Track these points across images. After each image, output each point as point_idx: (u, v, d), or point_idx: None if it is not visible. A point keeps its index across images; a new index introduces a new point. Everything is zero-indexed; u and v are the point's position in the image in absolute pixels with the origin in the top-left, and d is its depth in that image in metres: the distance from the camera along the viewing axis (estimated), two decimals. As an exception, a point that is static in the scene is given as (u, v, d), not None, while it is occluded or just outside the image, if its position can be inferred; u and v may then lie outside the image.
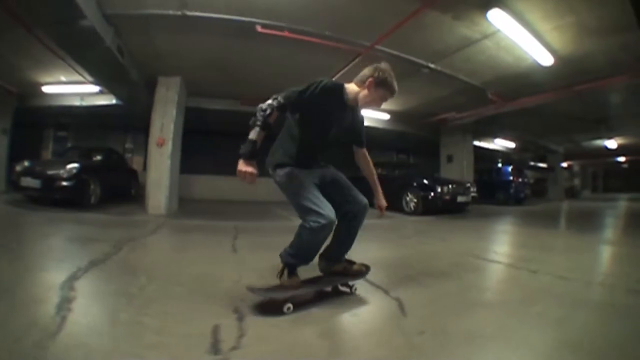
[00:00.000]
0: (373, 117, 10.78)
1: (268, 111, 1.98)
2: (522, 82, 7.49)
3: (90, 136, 12.41)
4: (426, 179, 9.15)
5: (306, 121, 2.24)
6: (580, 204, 15.12)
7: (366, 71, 2.23)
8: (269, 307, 2.06)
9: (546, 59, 6.01)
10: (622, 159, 22.59)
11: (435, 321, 2.05)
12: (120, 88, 7.94)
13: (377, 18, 5.28)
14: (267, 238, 4.87)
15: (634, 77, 6.58)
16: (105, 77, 7.41)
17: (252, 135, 1.97)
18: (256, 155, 1.96)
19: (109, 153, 9.29)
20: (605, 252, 4.51)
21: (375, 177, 2.62)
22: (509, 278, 3.29)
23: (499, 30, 5.30)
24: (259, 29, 5.28)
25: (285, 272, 2.25)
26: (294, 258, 2.23)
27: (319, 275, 2.49)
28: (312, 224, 2.06)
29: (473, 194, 9.85)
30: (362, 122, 2.59)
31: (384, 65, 2.23)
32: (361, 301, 2.39)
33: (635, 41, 5.27)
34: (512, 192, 13.69)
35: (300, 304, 2.16)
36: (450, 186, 8.92)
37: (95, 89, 8.68)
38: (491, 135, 14.09)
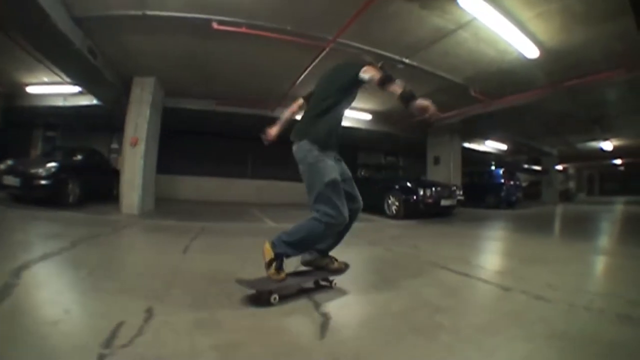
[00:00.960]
0: (354, 117, 10.44)
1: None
2: (507, 79, 7.02)
3: (79, 136, 12.44)
4: (409, 182, 8.74)
5: (345, 105, 2.42)
6: (575, 208, 14.62)
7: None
8: (258, 299, 2.23)
9: (531, 51, 5.54)
10: (618, 161, 22.17)
11: (354, 349, 1.67)
12: (97, 89, 8.01)
13: (336, 9, 4.84)
14: (228, 239, 4.95)
15: (630, 70, 6.02)
16: (80, 78, 7.53)
17: (401, 85, 2.15)
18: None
19: (91, 153, 9.30)
20: (597, 264, 3.96)
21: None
22: (474, 296, 2.75)
23: (474, 19, 4.83)
24: (214, 25, 5.15)
25: (274, 264, 2.23)
26: (291, 248, 2.26)
27: (302, 270, 2.62)
28: (328, 219, 2.17)
29: (459, 198, 9.34)
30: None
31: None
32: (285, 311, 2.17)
33: (631, 29, 4.77)
34: (504, 195, 13.20)
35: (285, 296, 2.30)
36: (433, 189, 8.44)
37: (76, 89, 8.67)
38: (481, 136, 13.64)
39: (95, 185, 8.56)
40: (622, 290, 2.73)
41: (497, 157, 18.63)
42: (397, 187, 8.74)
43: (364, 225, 6.71)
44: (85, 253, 3.52)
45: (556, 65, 6.18)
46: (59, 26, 4.85)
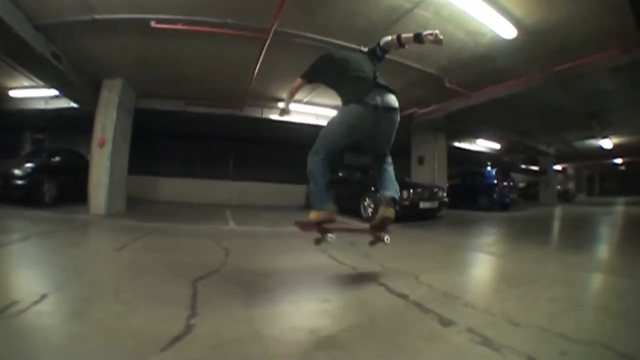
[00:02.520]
0: (329, 115, 9.47)
1: None
2: (486, 66, 6.30)
3: (65, 138, 12.37)
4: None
5: None
6: (573, 210, 13.73)
7: None
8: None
9: (507, 31, 4.81)
10: (619, 160, 21.37)
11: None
12: (70, 92, 8.18)
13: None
14: (171, 239, 4.90)
15: (626, 51, 5.19)
16: (51, 82, 7.73)
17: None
18: None
19: (69, 154, 9.39)
20: (588, 285, 3.09)
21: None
22: (401, 326, 1.96)
23: (433, -6, 4.10)
24: (153, 24, 5.09)
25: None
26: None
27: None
28: None
29: (444, 200, 8.57)
30: None
31: None
32: None
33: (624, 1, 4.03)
34: (496, 197, 12.42)
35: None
36: (411, 190, 7.71)
37: (55, 92, 8.69)
38: (471, 135, 12.89)
39: (73, 186, 8.50)
40: (614, 334, 1.90)
41: (493, 157, 17.89)
42: (372, 188, 8.01)
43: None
44: (30, 246, 3.82)
45: (540, 48, 5.44)
46: (21, 34, 5.17)
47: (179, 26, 5.13)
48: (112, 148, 7.40)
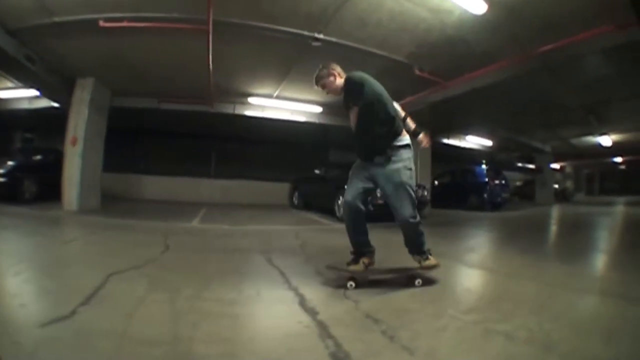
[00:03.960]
0: (302, 110, 9.58)
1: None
2: (461, 51, 5.68)
3: (54, 137, 12.20)
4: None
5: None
6: (571, 210, 13.08)
7: None
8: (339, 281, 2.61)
9: (475, 5, 4.19)
10: (619, 159, 20.69)
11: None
12: (48, 92, 8.29)
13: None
14: (127, 235, 4.96)
15: (621, 28, 4.42)
16: (29, 83, 7.84)
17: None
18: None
19: (51, 153, 9.35)
20: (570, 315, 2.24)
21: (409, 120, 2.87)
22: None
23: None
24: (101, 23, 5.00)
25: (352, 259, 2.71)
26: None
27: (384, 267, 2.88)
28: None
29: (424, 199, 7.99)
30: (348, 92, 2.66)
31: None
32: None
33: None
34: (487, 196, 11.83)
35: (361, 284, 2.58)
36: (386, 189, 7.10)
37: (36, 93, 8.71)
38: (460, 131, 12.25)
39: (53, 183, 8.44)
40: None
41: (487, 155, 17.24)
42: (346, 187, 7.45)
43: (299, 229, 6.26)
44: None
45: (519, 27, 4.80)
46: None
47: (125, 23, 5.02)
48: (83, 146, 7.51)
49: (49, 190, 8.13)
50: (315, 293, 2.51)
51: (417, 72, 6.26)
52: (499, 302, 2.45)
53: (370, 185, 2.66)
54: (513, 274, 3.35)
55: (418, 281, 2.70)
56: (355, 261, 2.69)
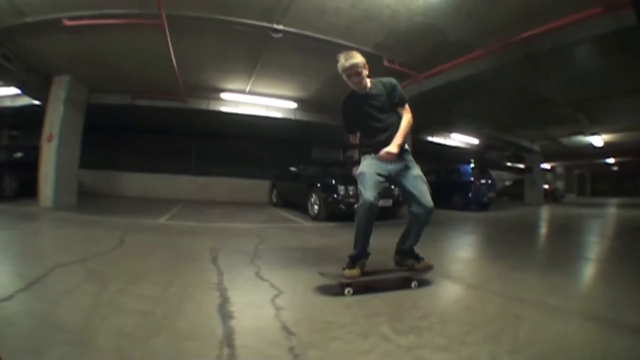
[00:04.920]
0: (277, 106, 9.33)
1: (346, 137, 2.95)
2: (434, 41, 5.39)
3: (39, 134, 12.50)
4: (335, 178, 7.11)
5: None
6: (560, 211, 12.72)
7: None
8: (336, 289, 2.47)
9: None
10: (611, 160, 20.52)
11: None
12: (28, 90, 8.23)
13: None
14: (90, 230, 4.94)
15: (610, 11, 4.06)
16: (8, 82, 7.81)
17: (347, 153, 3.94)
18: (356, 163, 2.81)
19: (32, 150, 9.12)
20: (550, 351, 1.72)
21: (403, 129, 2.64)
22: None
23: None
24: (65, 22, 4.98)
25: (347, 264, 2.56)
26: (353, 248, 2.57)
27: (380, 269, 2.78)
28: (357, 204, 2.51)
29: (400, 198, 7.60)
30: (388, 92, 2.68)
31: (339, 55, 2.60)
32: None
33: None
34: (472, 196, 11.53)
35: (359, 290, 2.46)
36: (357, 187, 6.79)
37: (18, 90, 8.68)
38: (444, 128, 11.96)
39: (34, 180, 8.44)
40: None
41: (476, 154, 17.00)
42: (318, 184, 7.23)
43: (266, 227, 6.09)
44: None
45: (496, 11, 4.47)
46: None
47: (85, 21, 5.01)
48: (58, 143, 7.53)
49: (30, 187, 8.07)
50: (242, 296, 2.34)
51: (385, 63, 5.92)
52: (449, 322, 2.03)
53: (386, 183, 2.63)
54: (479, 286, 2.88)
55: (414, 283, 2.67)
56: (352, 266, 2.54)
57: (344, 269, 2.55)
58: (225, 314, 1.99)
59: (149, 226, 5.62)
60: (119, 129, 12.33)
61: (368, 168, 2.57)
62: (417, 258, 2.75)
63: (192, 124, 11.71)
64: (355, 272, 2.50)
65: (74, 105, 7.93)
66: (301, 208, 8.03)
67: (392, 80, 2.73)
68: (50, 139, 7.53)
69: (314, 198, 7.32)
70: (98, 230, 4.88)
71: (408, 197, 2.63)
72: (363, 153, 2.72)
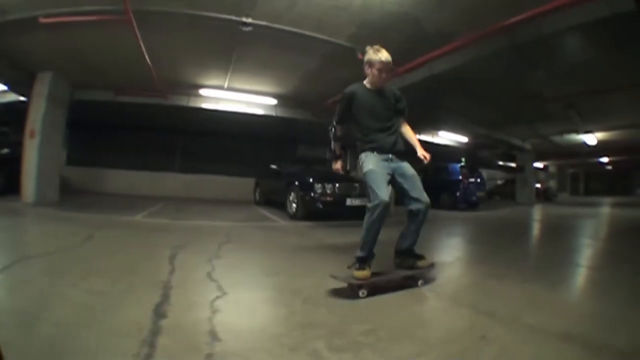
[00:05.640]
0: (257, 102, 9.19)
1: (332, 129, 2.91)
2: (410, 31, 5.15)
3: None
4: (313, 176, 6.95)
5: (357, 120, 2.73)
6: (552, 210, 12.53)
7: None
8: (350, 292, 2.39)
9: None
10: (605, 159, 20.41)
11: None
12: (14, 86, 8.41)
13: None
14: (62, 226, 4.96)
15: None
16: None
17: (331, 145, 2.95)
18: (338, 158, 2.96)
19: (20, 146, 8.92)
20: None
21: (414, 137, 2.90)
22: None
23: None
24: (41, 20, 4.97)
25: (355, 265, 2.48)
26: (360, 250, 2.50)
27: (385, 270, 2.69)
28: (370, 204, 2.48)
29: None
30: (396, 98, 2.81)
31: (367, 48, 2.69)
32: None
33: None
34: (460, 195, 11.36)
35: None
36: (335, 185, 6.63)
37: (4, 87, 8.76)
38: (431, 125, 11.77)
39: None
40: None
41: (467, 153, 16.84)
42: (296, 182, 7.08)
43: (239, 226, 6.02)
44: None
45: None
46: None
47: (60, 18, 5.00)
48: (40, 139, 7.51)
49: (17, 183, 8.02)
50: (184, 296, 2.27)
51: (360, 56, 5.72)
52: (400, 339, 1.77)
53: (389, 182, 2.65)
54: (448, 295, 2.55)
55: (420, 282, 2.70)
56: (362, 266, 2.47)
57: (349, 267, 2.53)
58: (159, 313, 1.93)
59: (122, 223, 5.61)
60: (106, 126, 12.43)
61: (377, 167, 2.56)
62: (418, 257, 2.75)
63: (177, 121, 11.62)
64: (366, 272, 2.44)
65: (56, 102, 7.91)
66: (282, 207, 7.89)
67: (399, 91, 2.90)
68: (32, 135, 7.51)
69: (292, 196, 7.15)
70: (71, 226, 4.89)
71: (407, 195, 2.63)
72: (363, 150, 2.67)
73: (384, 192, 2.44)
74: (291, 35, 5.37)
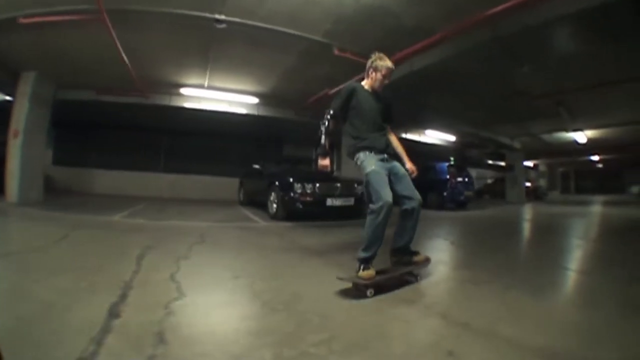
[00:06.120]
0: (239, 101, 9.10)
1: (326, 122, 2.71)
2: (388, 26, 5.05)
3: None
4: (293, 176, 6.82)
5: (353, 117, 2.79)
6: (542, 209, 12.33)
7: (366, 71, 2.85)
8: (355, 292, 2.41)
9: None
10: (596, 158, 20.44)
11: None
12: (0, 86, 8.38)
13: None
14: (39, 226, 5.00)
15: None
16: None
17: (321, 140, 2.68)
18: (327, 154, 2.70)
19: (2, 146, 9.08)
20: None
21: (401, 148, 2.98)
22: None
23: None
24: (21, 20, 5.02)
25: (360, 267, 2.49)
26: (364, 251, 2.51)
27: (389, 267, 2.76)
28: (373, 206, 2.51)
29: (363, 197, 7.31)
30: (387, 105, 2.91)
31: (373, 55, 2.84)
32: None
33: None
34: (447, 194, 11.22)
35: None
36: (315, 185, 6.51)
37: None
38: (417, 124, 11.68)
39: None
40: None
41: (458, 152, 16.80)
42: (277, 182, 6.95)
43: (217, 226, 5.90)
44: None
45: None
46: None
47: (38, 19, 5.05)
48: (24, 139, 7.56)
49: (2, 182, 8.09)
50: (142, 297, 2.25)
51: (336, 52, 5.63)
52: (355, 353, 1.62)
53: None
54: (421, 303, 2.34)
55: (418, 276, 2.83)
56: (367, 266, 2.50)
57: (339, 278, 2.53)
58: (114, 313, 1.94)
59: (100, 223, 5.59)
60: (92, 126, 12.45)
61: (378, 167, 2.60)
62: (414, 253, 2.83)
63: (161, 120, 11.53)
64: (372, 272, 2.47)
65: (39, 102, 7.95)
66: (265, 207, 7.79)
67: (389, 99, 2.97)
68: (16, 135, 7.52)
69: (272, 197, 7.02)
70: (49, 226, 4.94)
71: (400, 194, 2.67)
72: (359, 149, 2.70)
73: (388, 193, 2.47)
74: (266, 32, 5.29)
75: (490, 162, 18.73)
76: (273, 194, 7.02)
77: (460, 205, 11.56)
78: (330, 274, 2.72)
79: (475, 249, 4.74)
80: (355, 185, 7.11)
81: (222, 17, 5.02)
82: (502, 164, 17.95)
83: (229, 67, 7.11)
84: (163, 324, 1.82)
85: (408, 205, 2.64)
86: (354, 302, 2.32)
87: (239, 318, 2.03)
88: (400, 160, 2.88)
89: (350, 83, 2.81)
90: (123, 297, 2.20)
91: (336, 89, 7.28)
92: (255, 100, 9.03)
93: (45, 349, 1.54)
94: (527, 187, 18.73)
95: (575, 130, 12.46)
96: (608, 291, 2.67)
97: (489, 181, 21.89)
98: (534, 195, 19.31)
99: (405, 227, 2.73)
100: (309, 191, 6.44)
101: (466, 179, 12.10)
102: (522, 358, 1.57)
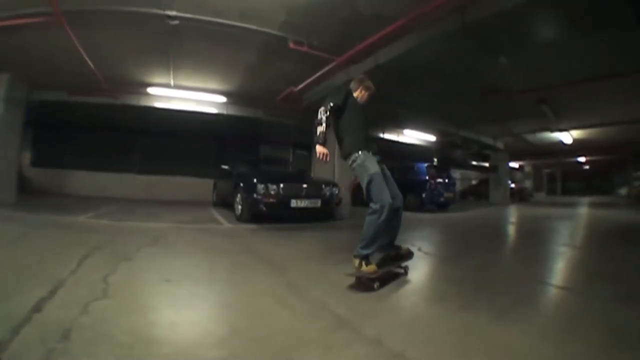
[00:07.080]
0: (207, 100, 8.99)
1: (327, 113, 2.77)
2: (346, 16, 4.81)
3: None
4: (257, 177, 6.60)
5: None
6: (526, 211, 12.21)
7: (354, 84, 3.11)
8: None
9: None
10: (582, 159, 20.47)
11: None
12: None
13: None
14: (3, 225, 5.03)
15: None
16: None
17: (321, 129, 2.74)
18: (326, 142, 2.78)
19: None
20: None
21: None
22: None
23: None
24: None
25: (362, 263, 2.65)
26: (366, 248, 2.69)
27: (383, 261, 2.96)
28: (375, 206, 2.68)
29: (330, 199, 7.04)
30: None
31: (362, 75, 3.35)
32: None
33: None
34: (426, 196, 11.06)
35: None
36: (280, 186, 6.31)
37: None
38: (394, 124, 11.53)
39: None
40: None
41: (441, 153, 16.70)
42: (241, 183, 6.76)
43: (177, 227, 5.79)
44: None
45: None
46: None
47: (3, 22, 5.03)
48: None
49: None
50: (68, 295, 2.28)
51: (291, 45, 5.43)
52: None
53: None
54: (354, 323, 1.99)
55: (406, 267, 3.13)
56: (369, 262, 2.69)
57: (364, 267, 2.68)
58: (37, 307, 2.02)
59: (63, 223, 5.56)
60: (70, 127, 12.11)
61: (378, 169, 2.78)
62: (398, 247, 3.09)
63: (134, 121, 11.36)
64: (374, 267, 2.64)
65: (13, 103, 7.93)
66: (226, 205, 7.68)
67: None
68: None
69: (238, 198, 6.83)
70: (11, 226, 4.96)
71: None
72: (360, 148, 2.82)
73: (388, 196, 2.67)
74: (220, 27, 5.12)
75: (474, 163, 18.64)
76: (239, 195, 6.84)
77: (441, 206, 11.41)
78: (267, 282, 2.71)
79: (443, 255, 4.48)
80: (323, 187, 6.92)
81: (173, 12, 4.88)
82: (487, 165, 17.90)
83: (192, 65, 6.97)
84: (75, 322, 1.85)
85: (395, 204, 2.77)
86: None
87: (146, 324, 1.94)
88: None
89: (345, 83, 2.94)
90: (52, 294, 2.26)
91: (301, 85, 7.13)
92: (223, 99, 8.89)
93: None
94: (512, 188, 18.68)
95: (560, 130, 12.28)
96: (589, 313, 2.24)
97: (474, 182, 21.84)
98: (519, 196, 19.27)
99: (391, 225, 2.87)
100: (272, 192, 6.23)
101: (447, 180, 11.94)
102: None
